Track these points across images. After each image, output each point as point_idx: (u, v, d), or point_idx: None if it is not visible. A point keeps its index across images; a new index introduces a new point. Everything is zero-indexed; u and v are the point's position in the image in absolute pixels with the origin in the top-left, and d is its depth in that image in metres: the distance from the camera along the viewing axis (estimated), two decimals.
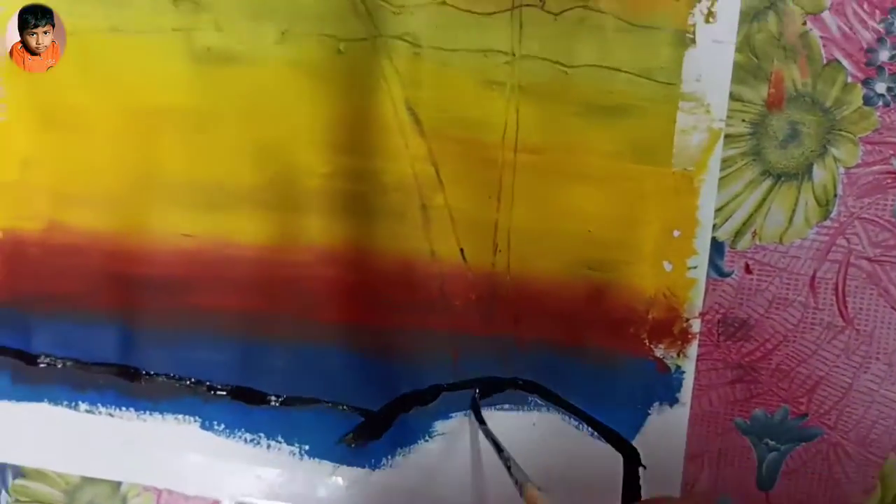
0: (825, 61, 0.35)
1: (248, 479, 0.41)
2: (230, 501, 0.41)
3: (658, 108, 0.36)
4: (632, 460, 0.38)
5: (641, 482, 0.37)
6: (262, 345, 0.40)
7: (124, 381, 0.41)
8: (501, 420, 0.38)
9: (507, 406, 0.38)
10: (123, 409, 0.41)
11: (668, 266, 0.37)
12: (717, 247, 0.36)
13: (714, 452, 0.37)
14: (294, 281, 0.39)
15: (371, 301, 0.39)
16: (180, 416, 0.41)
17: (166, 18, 0.39)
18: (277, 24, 0.38)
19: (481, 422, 0.38)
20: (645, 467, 0.37)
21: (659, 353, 0.37)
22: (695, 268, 0.36)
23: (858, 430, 0.36)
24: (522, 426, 0.38)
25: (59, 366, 0.42)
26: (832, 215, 0.36)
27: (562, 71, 0.36)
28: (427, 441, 0.39)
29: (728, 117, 0.36)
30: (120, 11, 0.39)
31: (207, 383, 0.40)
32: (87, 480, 0.42)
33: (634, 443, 0.38)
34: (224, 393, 0.40)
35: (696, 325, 0.37)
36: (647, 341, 0.37)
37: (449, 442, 0.39)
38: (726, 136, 0.36)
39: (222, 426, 0.41)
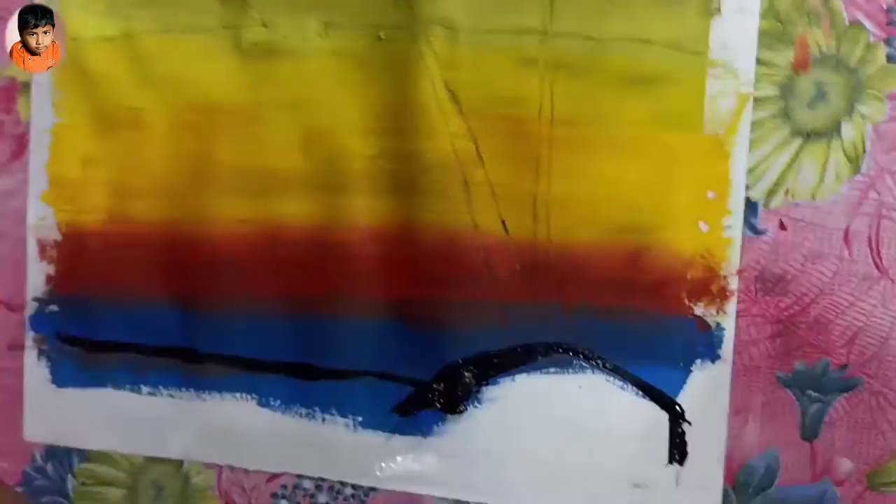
0: (847, 23, 0.36)
1: (305, 453, 0.42)
2: (290, 475, 0.43)
3: (688, 76, 0.38)
4: (676, 417, 0.39)
5: (687, 438, 0.39)
6: (315, 322, 0.42)
7: (184, 363, 0.43)
8: (548, 383, 0.39)
9: (552, 370, 0.40)
10: (184, 389, 0.43)
11: (703, 227, 0.38)
12: (750, 206, 0.38)
13: (758, 406, 0.38)
14: (344, 259, 0.41)
15: (418, 275, 0.40)
16: (238, 395, 0.43)
17: (214, 18, 0.41)
18: (319, 16, 0.40)
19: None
20: (690, 423, 0.39)
21: (699, 311, 0.38)
22: (730, 227, 0.38)
23: None
24: (569, 389, 0.39)
25: (122, 351, 0.44)
26: (862, 170, 0.37)
27: (593, 45, 0.38)
28: (476, 407, 0.40)
29: (756, 81, 0.37)
30: (171, 13, 0.42)
31: (263, 361, 0.42)
32: (151, 460, 0.44)
33: (679, 400, 0.39)
34: (279, 370, 0.42)
35: (733, 283, 0.38)
36: (686, 300, 0.38)
37: (497, 407, 0.40)
38: (755, 100, 0.37)
39: (278, 402, 0.42)
